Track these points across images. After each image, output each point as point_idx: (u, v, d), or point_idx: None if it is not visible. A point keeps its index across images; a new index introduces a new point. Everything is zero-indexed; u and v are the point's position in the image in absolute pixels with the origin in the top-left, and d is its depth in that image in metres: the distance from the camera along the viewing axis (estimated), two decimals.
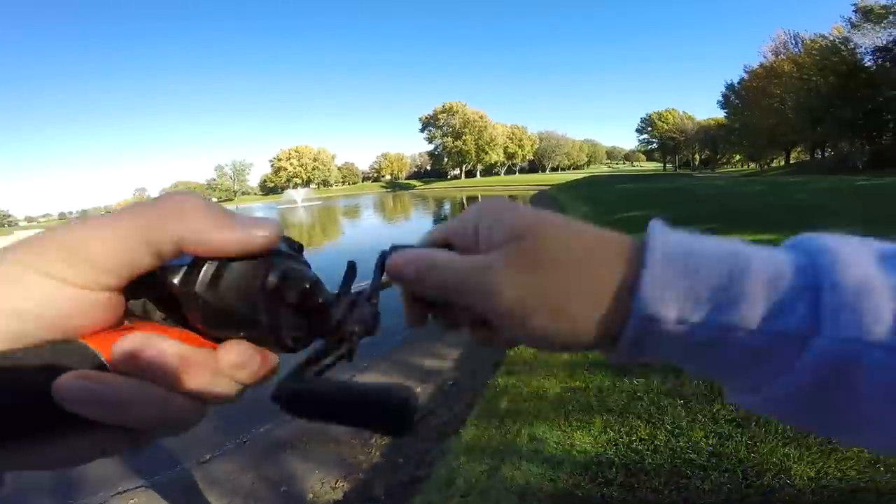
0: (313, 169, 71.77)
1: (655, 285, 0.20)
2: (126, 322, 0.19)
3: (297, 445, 2.87)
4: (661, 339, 0.20)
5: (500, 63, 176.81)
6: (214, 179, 78.06)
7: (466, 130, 60.02)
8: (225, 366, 0.19)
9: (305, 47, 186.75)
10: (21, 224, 60.39)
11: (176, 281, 0.19)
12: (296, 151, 71.52)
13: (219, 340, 0.20)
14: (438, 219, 20.31)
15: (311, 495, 2.47)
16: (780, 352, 0.19)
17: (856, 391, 0.19)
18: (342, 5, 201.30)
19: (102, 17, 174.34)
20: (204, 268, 0.19)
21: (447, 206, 27.31)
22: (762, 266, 0.20)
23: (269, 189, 73.55)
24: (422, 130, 65.06)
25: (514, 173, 66.01)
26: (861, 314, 0.18)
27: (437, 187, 53.02)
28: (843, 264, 0.19)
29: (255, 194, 77.50)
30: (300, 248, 0.23)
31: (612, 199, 15.10)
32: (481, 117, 61.48)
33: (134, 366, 0.17)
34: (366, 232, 18.35)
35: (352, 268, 0.24)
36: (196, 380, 0.19)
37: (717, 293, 0.19)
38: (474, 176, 63.77)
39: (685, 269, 0.20)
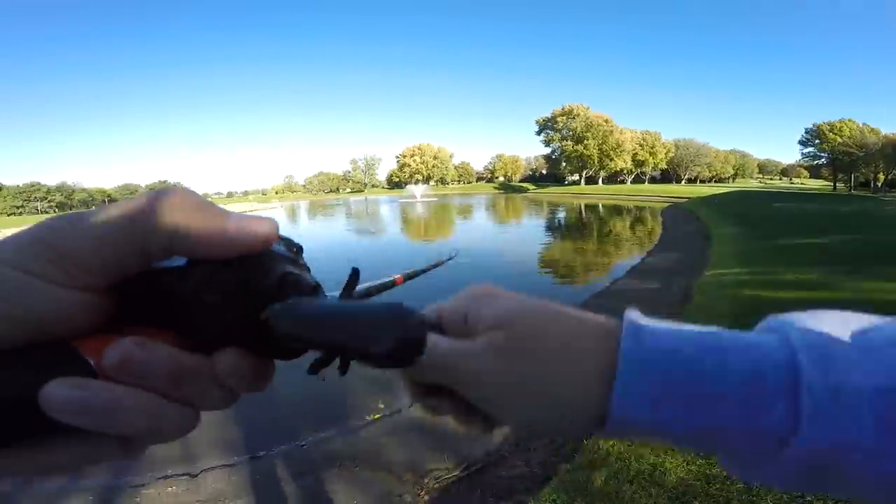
0: (433, 167, 74.58)
1: (626, 392, 0.20)
2: (118, 325, 0.18)
3: (348, 464, 2.58)
4: (641, 432, 0.21)
5: (631, 64, 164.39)
6: (349, 171, 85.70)
7: (589, 134, 56.55)
8: (220, 373, 0.18)
9: (432, 45, 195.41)
10: None
11: (168, 284, 0.18)
12: (418, 149, 75.00)
13: (213, 345, 0.19)
14: (551, 226, 19.28)
15: None
16: (761, 446, 0.20)
17: (844, 481, 0.19)
18: (468, 5, 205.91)
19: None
20: (197, 270, 0.18)
21: (561, 213, 25.98)
22: (740, 364, 0.20)
23: (394, 183, 78.16)
24: (538, 133, 63.22)
25: (643, 182, 60.62)
26: (839, 419, 0.18)
27: (553, 192, 50.99)
28: (821, 366, 0.19)
29: (382, 187, 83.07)
30: (299, 249, 0.22)
31: (768, 220, 12.60)
32: (606, 121, 57.42)
33: (126, 373, 0.16)
34: (477, 229, 18.17)
35: (355, 273, 0.23)
36: (190, 387, 0.18)
37: (692, 397, 0.20)
38: (596, 183, 59.95)
39: (658, 374, 0.20)
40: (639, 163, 61.57)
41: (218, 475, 2.60)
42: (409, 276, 0.37)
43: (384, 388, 3.80)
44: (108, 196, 61.99)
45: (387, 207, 36.41)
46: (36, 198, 50.13)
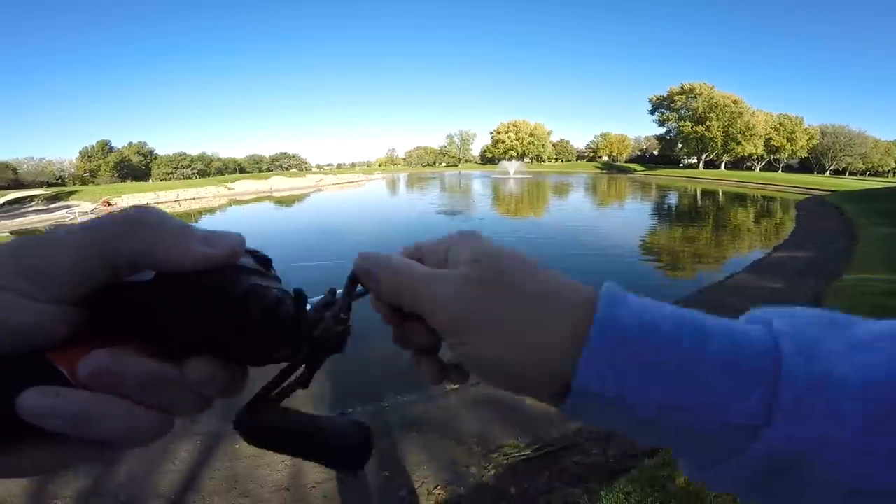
0: (528, 143, 72.31)
1: (595, 357, 0.19)
2: (91, 336, 0.19)
3: (425, 429, 2.64)
4: (602, 410, 0.20)
5: (768, 40, 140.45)
6: (445, 146, 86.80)
7: (713, 115, 49.91)
8: (191, 381, 0.19)
9: (530, 21, 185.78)
10: (313, 169, 74.81)
11: (137, 297, 0.19)
12: (513, 125, 73.03)
13: (184, 354, 0.20)
14: (659, 210, 17.67)
15: (403, 492, 2.22)
16: (727, 439, 0.19)
17: (806, 484, 0.18)
18: None
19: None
20: (164, 284, 0.19)
21: (673, 197, 23.64)
22: (719, 348, 0.19)
23: (487, 159, 77.51)
24: (651, 112, 57.38)
25: (776, 171, 52.57)
26: (818, 411, 0.17)
27: (664, 175, 46.49)
28: (806, 355, 0.18)
29: (476, 162, 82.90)
30: (268, 261, 0.23)
31: None
32: (735, 102, 50.03)
33: (99, 383, 0.17)
34: (570, 206, 17.32)
35: (331, 291, 0.24)
36: (162, 395, 0.19)
37: (663, 373, 0.19)
38: (717, 167, 53.45)
39: (631, 344, 0.19)
40: (773, 149, 53.26)
41: None
42: None
43: None
44: (239, 165, 69.15)
45: (479, 183, 36.27)
46: (182, 165, 57.68)
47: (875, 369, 0.17)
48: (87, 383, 0.17)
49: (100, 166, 53.78)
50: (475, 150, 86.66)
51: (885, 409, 0.17)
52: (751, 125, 49.96)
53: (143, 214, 0.19)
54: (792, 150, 53.02)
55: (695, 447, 0.20)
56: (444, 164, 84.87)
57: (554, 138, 79.44)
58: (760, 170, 53.76)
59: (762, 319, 0.21)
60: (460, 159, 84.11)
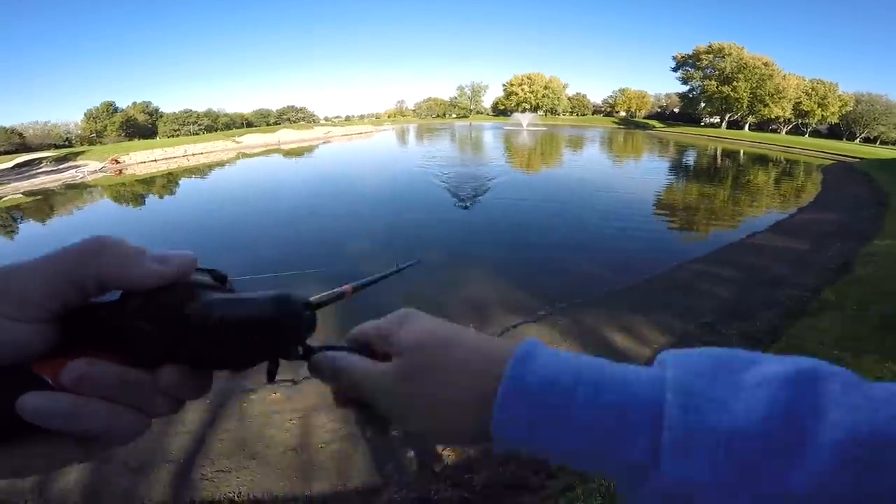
0: (543, 97, 69.74)
1: (503, 416, 0.23)
2: (67, 350, 0.22)
3: None
4: (525, 450, 0.24)
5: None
6: (456, 98, 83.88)
7: (741, 76, 47.24)
8: (162, 386, 0.22)
9: None
10: (321, 122, 72.19)
11: (105, 316, 0.22)
12: (528, 78, 70.16)
13: (154, 362, 0.22)
14: (675, 166, 17.00)
15: (411, 453, 2.22)
16: (629, 474, 0.22)
17: None
18: None
19: None
20: (128, 302, 0.22)
21: (691, 155, 22.81)
22: (608, 399, 0.22)
23: (499, 111, 75.19)
24: (675, 69, 54.32)
25: (804, 135, 50.23)
26: (694, 459, 0.20)
27: (683, 132, 44.93)
28: (684, 406, 0.20)
29: (487, 114, 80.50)
30: (224, 277, 0.25)
31: None
32: (766, 64, 47.15)
33: (80, 387, 0.21)
34: (587, 160, 16.69)
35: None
36: (137, 397, 0.22)
37: (561, 424, 0.22)
38: (740, 128, 51.14)
39: (532, 401, 0.22)
40: (802, 113, 50.55)
41: (316, 386, 2.78)
42: (358, 287, 0.36)
43: None
44: (246, 120, 66.85)
45: (490, 134, 35.23)
46: (188, 122, 56.27)
47: (744, 416, 0.20)
48: (70, 388, 0.21)
49: (105, 127, 52.34)
50: (486, 103, 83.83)
51: (749, 455, 0.19)
52: (780, 88, 47.20)
53: (102, 241, 0.22)
54: (822, 115, 50.23)
55: (610, 476, 0.23)
56: (454, 115, 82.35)
57: (570, 92, 76.27)
58: (786, 133, 51.43)
59: (664, 363, 0.24)
60: (471, 111, 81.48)
